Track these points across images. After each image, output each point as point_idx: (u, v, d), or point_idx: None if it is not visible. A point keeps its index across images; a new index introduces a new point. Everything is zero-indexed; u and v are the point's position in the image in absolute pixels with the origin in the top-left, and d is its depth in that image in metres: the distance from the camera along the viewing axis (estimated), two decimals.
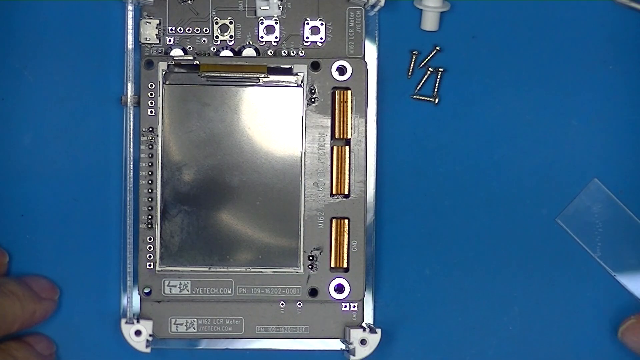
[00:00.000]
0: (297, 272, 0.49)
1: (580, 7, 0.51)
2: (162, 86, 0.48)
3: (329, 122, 0.49)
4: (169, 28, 0.49)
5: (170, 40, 0.49)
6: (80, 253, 0.49)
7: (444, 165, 0.51)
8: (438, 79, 0.50)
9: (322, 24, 0.49)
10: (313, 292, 0.49)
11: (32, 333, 0.49)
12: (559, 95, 0.51)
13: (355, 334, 0.48)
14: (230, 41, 0.49)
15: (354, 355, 0.48)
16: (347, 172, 0.49)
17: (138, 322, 0.48)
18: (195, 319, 0.49)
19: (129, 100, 0.48)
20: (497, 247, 0.51)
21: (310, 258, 0.49)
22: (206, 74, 0.48)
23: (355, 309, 0.49)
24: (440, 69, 0.50)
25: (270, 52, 0.49)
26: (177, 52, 0.49)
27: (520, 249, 0.51)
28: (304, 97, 0.49)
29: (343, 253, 0.49)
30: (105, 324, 0.49)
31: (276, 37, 0.49)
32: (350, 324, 0.49)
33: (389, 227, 0.50)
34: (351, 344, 0.48)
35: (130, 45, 0.48)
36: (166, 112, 0.48)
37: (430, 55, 0.51)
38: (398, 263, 0.50)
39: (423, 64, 0.51)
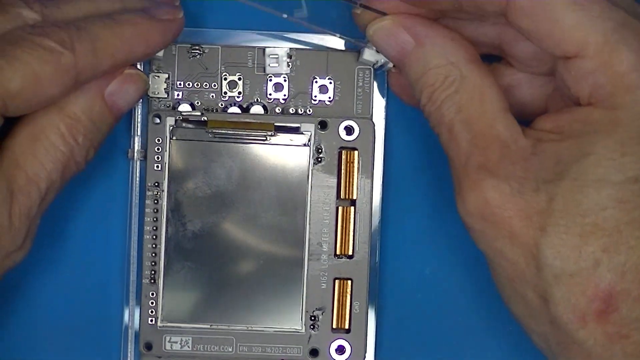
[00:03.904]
0: (298, 332, 0.49)
1: None
2: (169, 141, 0.48)
3: (334, 182, 0.49)
4: (178, 82, 0.49)
5: (178, 95, 0.49)
6: (81, 307, 0.49)
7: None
8: None
9: (330, 83, 0.49)
10: (314, 353, 0.49)
11: None
12: None
13: None
14: (238, 97, 0.49)
15: None
16: (351, 233, 0.49)
17: None
18: None
19: (135, 154, 0.48)
20: None
21: (312, 318, 0.49)
22: (214, 131, 0.48)
23: None
24: None
25: (278, 110, 0.49)
26: (184, 107, 0.49)
27: None
28: (311, 157, 0.49)
29: (345, 314, 0.49)
30: None
31: (284, 95, 0.49)
32: None
33: (392, 265, 0.50)
34: None
35: None
36: (172, 167, 0.48)
37: None
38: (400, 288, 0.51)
39: None
